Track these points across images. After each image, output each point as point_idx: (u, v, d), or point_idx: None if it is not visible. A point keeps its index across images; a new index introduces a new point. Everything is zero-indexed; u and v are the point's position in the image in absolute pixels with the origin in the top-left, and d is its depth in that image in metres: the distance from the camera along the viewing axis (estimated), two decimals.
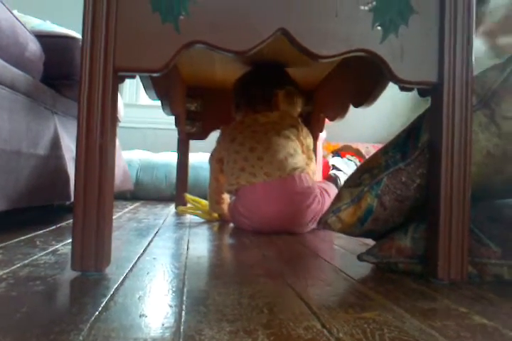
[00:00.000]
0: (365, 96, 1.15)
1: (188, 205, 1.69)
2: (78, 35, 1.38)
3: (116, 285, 0.66)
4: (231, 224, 1.52)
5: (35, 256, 0.85)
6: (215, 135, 1.90)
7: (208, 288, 0.67)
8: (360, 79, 1.23)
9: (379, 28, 0.76)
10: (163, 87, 1.35)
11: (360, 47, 0.76)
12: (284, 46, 0.82)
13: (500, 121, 0.77)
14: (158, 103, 1.47)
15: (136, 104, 3.45)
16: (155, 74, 0.75)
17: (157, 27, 0.72)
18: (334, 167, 2.50)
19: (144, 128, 3.28)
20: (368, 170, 0.87)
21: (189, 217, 1.66)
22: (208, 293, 0.64)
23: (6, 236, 1.06)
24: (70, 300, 0.60)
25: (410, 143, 0.83)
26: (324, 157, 3.13)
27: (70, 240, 0.74)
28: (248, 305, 0.58)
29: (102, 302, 0.58)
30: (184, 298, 0.61)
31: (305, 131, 1.48)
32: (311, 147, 1.50)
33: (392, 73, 0.76)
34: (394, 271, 0.82)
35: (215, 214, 1.60)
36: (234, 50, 0.74)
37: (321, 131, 1.87)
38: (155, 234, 1.20)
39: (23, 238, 1.06)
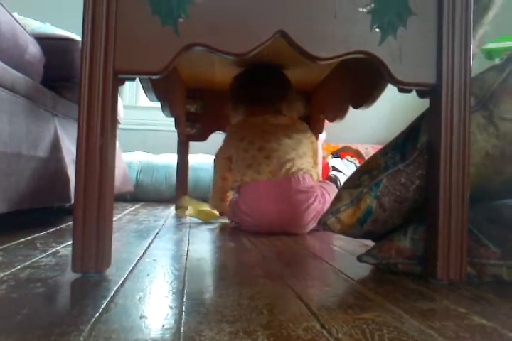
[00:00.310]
0: (365, 97, 1.15)
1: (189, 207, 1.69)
2: (78, 38, 1.38)
3: (116, 287, 0.66)
4: (230, 226, 1.52)
5: (36, 258, 0.85)
6: (214, 136, 1.91)
7: (207, 290, 0.67)
8: (359, 80, 1.24)
9: (377, 29, 0.76)
10: (162, 89, 1.35)
11: (359, 49, 0.76)
12: (282, 48, 0.82)
13: (498, 122, 0.77)
14: (158, 105, 1.48)
15: (136, 106, 3.45)
16: (155, 77, 0.76)
17: (157, 29, 0.73)
18: (334, 168, 2.51)
19: (144, 130, 3.28)
20: (368, 171, 0.87)
21: (189, 219, 1.66)
22: (208, 294, 0.64)
23: (7, 238, 1.07)
24: (71, 302, 0.60)
25: (409, 144, 0.84)
26: (324, 158, 3.13)
27: (71, 242, 0.74)
28: (248, 306, 0.58)
29: (102, 303, 0.58)
30: (184, 300, 0.61)
31: (314, 137, 1.54)
32: (317, 153, 1.53)
33: (390, 75, 0.77)
34: (393, 271, 0.82)
35: (214, 215, 1.60)
36: (233, 52, 0.74)
37: (320, 132, 1.87)
38: (155, 236, 1.20)
39: (23, 240, 1.06)
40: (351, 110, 1.34)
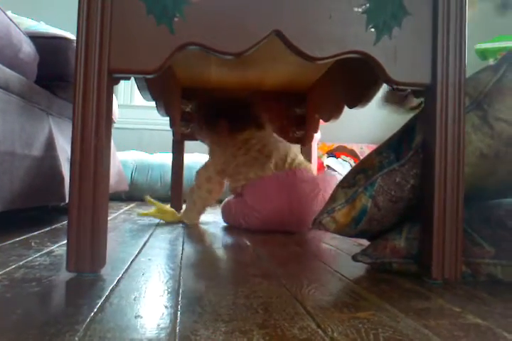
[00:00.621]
0: (360, 97, 1.15)
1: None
2: (72, 36, 1.38)
3: (111, 286, 0.66)
4: (225, 225, 1.52)
5: (30, 258, 0.85)
6: None
7: (203, 289, 0.67)
8: (354, 80, 1.24)
9: (372, 29, 0.76)
10: (158, 89, 1.35)
11: (354, 49, 0.76)
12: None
13: (492, 122, 0.78)
14: (153, 104, 1.47)
15: (131, 105, 3.45)
16: (149, 76, 0.76)
17: (152, 29, 0.72)
18: (329, 167, 2.51)
19: (139, 129, 3.27)
20: (363, 171, 0.87)
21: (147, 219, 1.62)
22: (203, 294, 0.64)
23: (1, 237, 1.06)
24: (66, 302, 0.60)
25: (404, 143, 0.84)
26: (319, 158, 3.14)
27: (65, 241, 0.74)
28: (243, 306, 0.58)
29: (97, 303, 0.58)
30: (179, 299, 0.61)
31: None
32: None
33: (385, 74, 0.77)
34: (388, 271, 0.82)
35: (176, 217, 1.55)
36: (228, 51, 0.74)
37: (315, 132, 1.87)
38: (150, 235, 1.20)
39: (17, 239, 1.05)
40: (346, 110, 1.34)
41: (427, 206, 0.77)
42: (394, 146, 0.86)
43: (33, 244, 1.01)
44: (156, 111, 1.59)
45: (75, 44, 0.75)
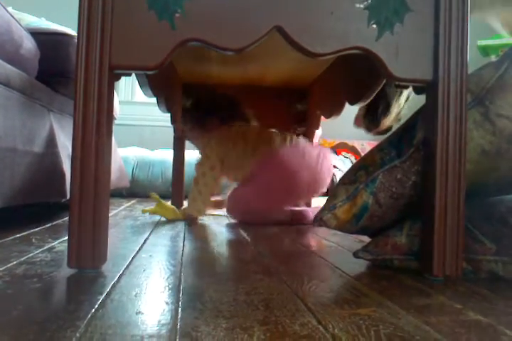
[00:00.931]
0: (361, 93, 1.15)
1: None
2: (73, 32, 1.37)
3: (112, 283, 0.66)
4: (226, 222, 1.52)
5: (31, 254, 0.85)
6: None
7: (204, 285, 0.67)
8: (355, 76, 1.23)
9: (374, 25, 0.76)
10: (159, 85, 1.35)
11: (356, 45, 0.76)
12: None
13: (494, 119, 0.77)
14: (154, 100, 1.47)
15: (132, 101, 3.45)
16: (151, 72, 0.75)
17: (153, 25, 0.72)
18: None
19: (140, 125, 3.27)
20: (364, 168, 0.87)
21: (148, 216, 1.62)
22: (204, 290, 0.64)
23: (2, 233, 1.06)
24: (67, 298, 0.60)
25: (405, 140, 0.84)
26: None
27: (66, 237, 0.74)
28: (244, 302, 0.58)
29: (98, 299, 0.58)
30: (180, 295, 0.61)
31: None
32: None
33: (387, 71, 0.77)
34: (389, 267, 0.82)
35: (177, 214, 1.54)
36: (229, 47, 0.74)
37: (317, 129, 1.87)
38: (151, 232, 1.20)
39: (18, 235, 1.05)
40: (347, 106, 1.34)
41: (428, 203, 0.77)
42: (395, 143, 0.85)
43: (34, 240, 1.01)
44: (157, 108, 1.59)
45: (75, 40, 0.74)
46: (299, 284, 0.69)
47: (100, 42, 0.71)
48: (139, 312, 0.54)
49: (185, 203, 1.70)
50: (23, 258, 0.81)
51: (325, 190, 1.54)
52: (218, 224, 1.47)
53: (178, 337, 0.46)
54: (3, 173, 1.03)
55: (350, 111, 1.40)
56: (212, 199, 1.59)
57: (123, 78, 0.78)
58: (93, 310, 0.54)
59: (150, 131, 3.27)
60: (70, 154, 0.73)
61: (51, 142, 1.28)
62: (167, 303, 0.57)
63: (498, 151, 0.78)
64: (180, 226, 1.35)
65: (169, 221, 1.48)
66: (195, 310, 0.55)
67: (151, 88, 1.24)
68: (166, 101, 1.49)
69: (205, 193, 1.52)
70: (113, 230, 1.20)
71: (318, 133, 2.01)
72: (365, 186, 0.84)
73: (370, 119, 1.32)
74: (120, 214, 1.64)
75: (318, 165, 1.48)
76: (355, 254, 0.85)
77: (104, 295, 0.60)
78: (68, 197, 1.15)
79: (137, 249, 0.94)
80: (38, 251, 0.87)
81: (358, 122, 1.40)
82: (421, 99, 0.81)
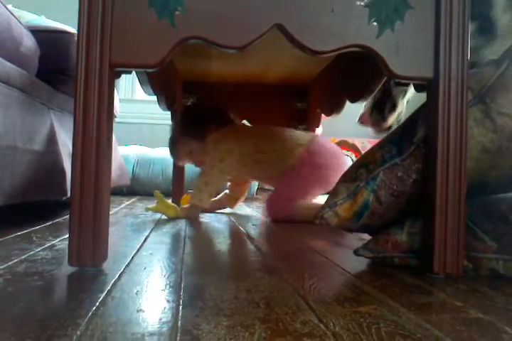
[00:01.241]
0: (361, 91, 1.15)
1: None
2: (74, 30, 1.37)
3: (113, 281, 0.66)
4: (226, 219, 1.52)
5: (32, 252, 0.85)
6: None
7: (204, 283, 0.67)
8: (355, 74, 1.23)
9: (375, 23, 0.76)
10: (159, 83, 1.34)
11: (356, 43, 0.76)
12: None
13: (495, 117, 0.77)
14: (155, 98, 1.47)
15: (133, 99, 3.44)
16: (151, 70, 0.75)
17: (153, 22, 0.72)
18: None
19: (141, 123, 3.27)
20: (364, 165, 0.87)
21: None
22: (205, 288, 0.64)
23: (3, 231, 1.06)
24: (68, 296, 0.60)
25: (406, 138, 0.84)
26: None
27: (67, 235, 0.74)
28: (245, 300, 0.58)
29: (99, 297, 0.58)
30: (181, 293, 0.61)
31: None
32: None
33: (388, 68, 0.76)
34: (390, 265, 0.82)
35: (179, 212, 1.53)
36: (230, 45, 0.74)
37: (317, 127, 1.87)
38: (152, 230, 1.20)
39: (19, 233, 1.05)
40: (348, 104, 1.34)
41: (429, 200, 0.77)
42: (396, 141, 0.85)
43: (34, 238, 1.01)
44: (157, 106, 1.59)
45: (76, 38, 0.74)
46: (299, 282, 0.69)
47: (100, 39, 0.71)
48: (140, 310, 0.54)
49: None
50: (23, 256, 0.81)
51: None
52: (219, 222, 1.47)
53: (179, 334, 0.46)
54: (3, 171, 1.03)
55: (351, 109, 1.40)
56: (212, 199, 1.59)
57: (123, 76, 0.78)
58: (94, 307, 0.54)
59: (150, 129, 3.27)
60: (71, 152, 0.73)
61: (51, 140, 1.28)
62: (168, 301, 0.57)
63: (499, 149, 0.78)
64: (181, 224, 1.35)
65: (170, 219, 1.48)
66: (196, 307, 0.55)
67: (152, 86, 1.24)
68: (166, 99, 1.49)
69: (210, 185, 1.53)
70: (114, 228, 1.20)
71: (318, 131, 2.01)
72: (366, 184, 0.84)
73: (376, 116, 1.34)
74: (121, 212, 1.64)
75: (342, 162, 1.57)
76: (356, 252, 0.85)
77: (104, 293, 0.60)
78: (69, 195, 1.15)
79: (138, 246, 0.94)
80: (38, 249, 0.87)
81: (364, 120, 1.41)
82: (420, 101, 0.81)
